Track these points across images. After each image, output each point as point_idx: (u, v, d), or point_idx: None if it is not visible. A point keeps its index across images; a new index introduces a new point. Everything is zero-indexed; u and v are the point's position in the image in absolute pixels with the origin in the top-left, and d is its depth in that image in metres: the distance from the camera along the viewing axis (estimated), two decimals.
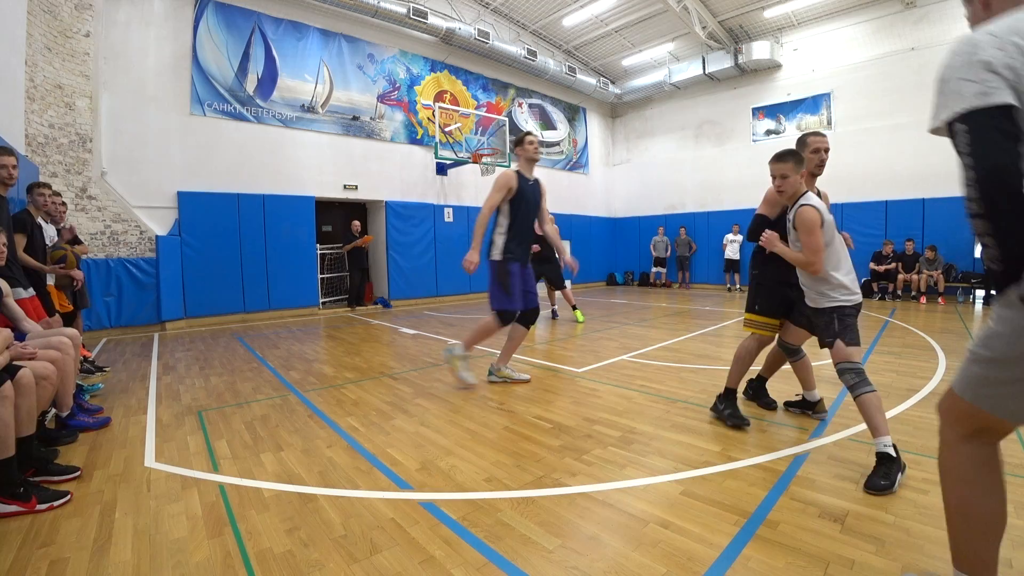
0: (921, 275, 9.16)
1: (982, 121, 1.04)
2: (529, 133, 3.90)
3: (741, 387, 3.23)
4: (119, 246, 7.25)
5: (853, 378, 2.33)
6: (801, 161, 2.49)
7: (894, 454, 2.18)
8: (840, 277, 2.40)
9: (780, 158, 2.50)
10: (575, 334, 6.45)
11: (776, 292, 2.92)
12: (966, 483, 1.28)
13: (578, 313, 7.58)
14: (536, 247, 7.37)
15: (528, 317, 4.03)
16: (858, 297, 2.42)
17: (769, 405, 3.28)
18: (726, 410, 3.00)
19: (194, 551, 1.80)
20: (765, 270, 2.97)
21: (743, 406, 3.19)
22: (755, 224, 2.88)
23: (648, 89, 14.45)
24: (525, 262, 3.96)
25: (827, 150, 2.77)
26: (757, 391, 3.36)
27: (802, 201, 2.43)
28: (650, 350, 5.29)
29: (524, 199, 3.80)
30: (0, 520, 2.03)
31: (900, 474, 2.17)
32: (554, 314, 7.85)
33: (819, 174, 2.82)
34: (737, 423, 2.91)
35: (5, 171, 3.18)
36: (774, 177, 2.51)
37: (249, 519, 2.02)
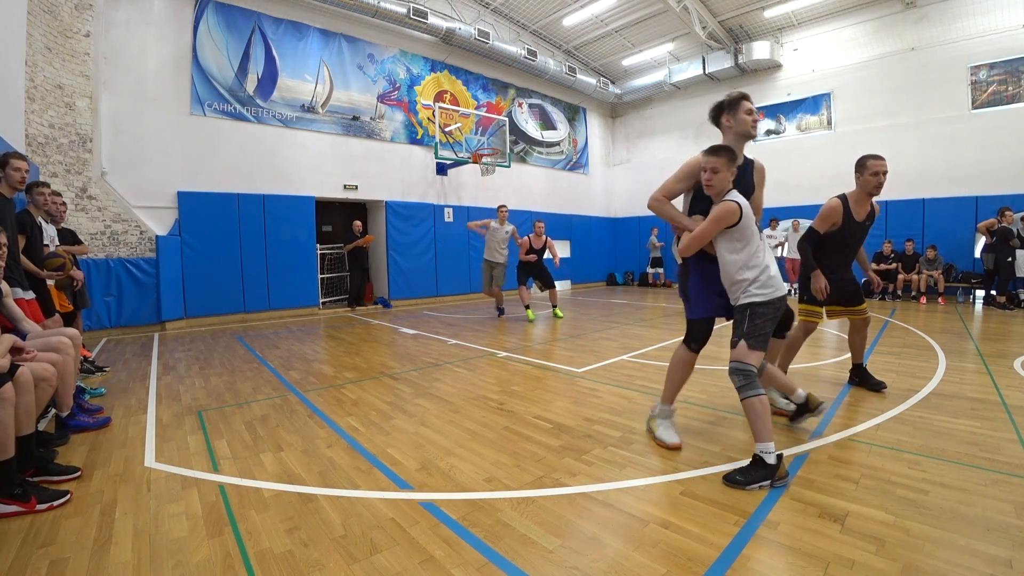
0: (921, 275, 9.15)
1: None
2: (744, 96, 2.64)
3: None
4: (119, 246, 7.25)
5: (740, 380, 2.31)
6: (734, 159, 2.42)
7: (771, 461, 2.17)
8: (749, 274, 2.40)
9: (714, 152, 2.41)
10: (575, 333, 6.44)
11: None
12: None
13: (529, 312, 7.88)
14: (533, 256, 7.73)
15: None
16: (773, 293, 2.38)
17: (878, 386, 3.53)
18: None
19: (194, 551, 1.80)
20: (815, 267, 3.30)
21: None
22: (808, 234, 3.37)
23: (648, 89, 14.46)
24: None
25: (886, 173, 3.05)
26: (862, 377, 3.63)
27: (727, 197, 2.41)
28: (650, 350, 5.29)
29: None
30: (0, 520, 2.03)
31: (766, 483, 2.16)
32: (500, 312, 8.35)
33: (876, 195, 3.14)
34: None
35: (19, 174, 3.29)
36: (704, 169, 2.43)
37: (249, 519, 2.02)
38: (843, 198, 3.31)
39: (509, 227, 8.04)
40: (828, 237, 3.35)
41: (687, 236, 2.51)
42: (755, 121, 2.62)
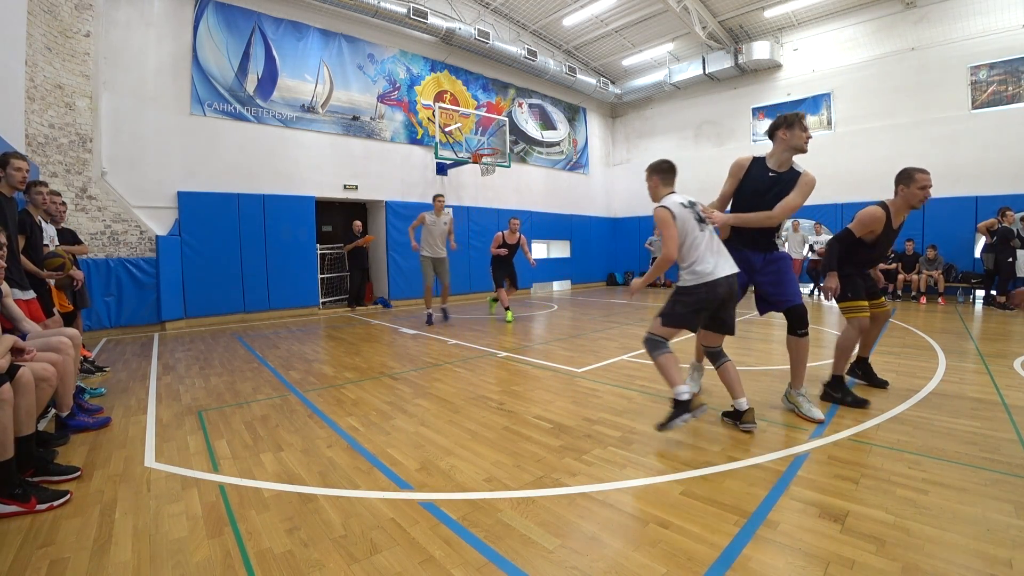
0: (921, 275, 9.16)
1: None
2: (802, 117, 3.00)
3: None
4: (119, 246, 7.25)
5: (648, 347, 2.80)
6: (656, 172, 2.97)
7: (685, 398, 2.64)
8: (684, 264, 2.82)
9: (646, 169, 3.05)
10: (575, 333, 6.44)
11: (857, 280, 3.40)
12: None
13: (508, 314, 7.80)
14: (504, 251, 7.62)
15: (790, 322, 3.07)
16: (696, 280, 2.75)
17: (881, 384, 3.64)
18: (847, 397, 3.25)
19: (194, 551, 1.80)
20: (843, 266, 3.39)
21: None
22: (843, 235, 3.38)
23: (648, 89, 14.46)
24: (757, 249, 3.14)
25: (931, 187, 3.18)
26: (866, 372, 3.72)
27: (658, 203, 2.87)
28: None
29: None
30: (0, 520, 2.03)
31: (687, 416, 2.64)
32: (436, 316, 7.66)
33: (919, 208, 3.28)
34: (858, 403, 3.19)
35: (20, 174, 3.29)
36: None
37: (249, 519, 2.02)
38: (885, 208, 3.27)
39: (447, 217, 7.37)
40: (863, 239, 3.35)
41: (665, 245, 2.83)
42: (808, 138, 2.97)
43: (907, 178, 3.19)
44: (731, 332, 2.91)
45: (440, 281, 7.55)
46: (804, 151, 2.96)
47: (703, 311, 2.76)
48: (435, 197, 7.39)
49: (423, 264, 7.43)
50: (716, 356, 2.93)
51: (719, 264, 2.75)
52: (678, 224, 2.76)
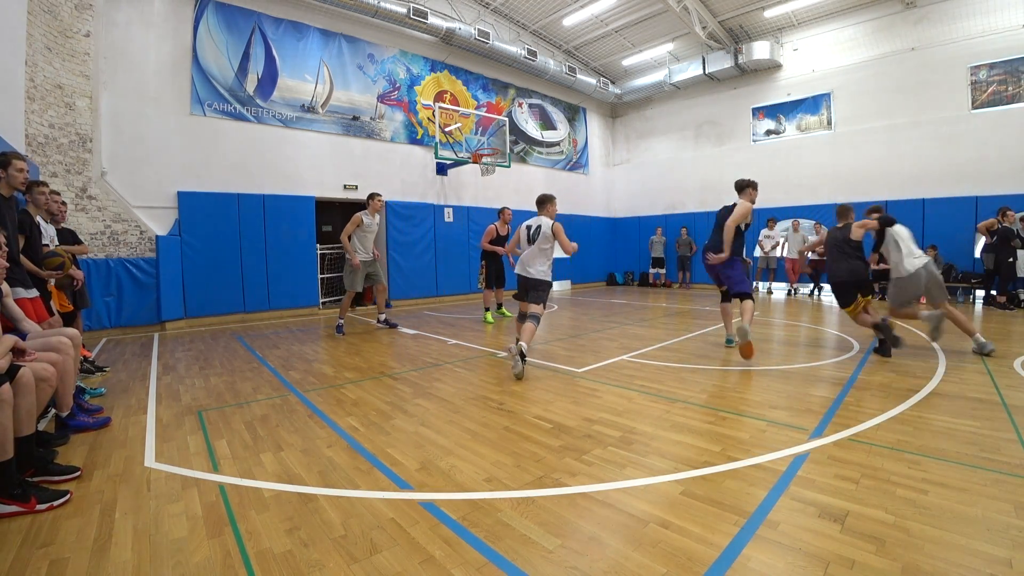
0: None
1: None
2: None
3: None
4: (119, 246, 7.25)
5: (531, 319, 4.32)
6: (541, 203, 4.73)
7: (525, 350, 4.18)
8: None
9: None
10: (575, 333, 6.44)
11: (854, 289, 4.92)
12: None
13: (488, 315, 7.70)
14: (501, 249, 7.45)
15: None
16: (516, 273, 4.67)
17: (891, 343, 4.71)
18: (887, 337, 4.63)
19: (194, 551, 1.80)
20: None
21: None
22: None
23: (648, 89, 14.45)
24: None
25: None
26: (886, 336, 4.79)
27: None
28: (650, 350, 5.29)
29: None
30: (0, 520, 2.03)
31: (519, 361, 4.13)
32: (380, 325, 7.20)
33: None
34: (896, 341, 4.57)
35: (23, 175, 3.29)
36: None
37: (249, 519, 2.02)
38: None
39: (380, 218, 6.80)
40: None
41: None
42: (756, 196, 5.01)
43: (849, 211, 5.04)
44: (526, 300, 4.51)
45: (376, 287, 6.88)
46: (753, 204, 4.92)
47: (520, 290, 4.59)
48: (373, 196, 6.64)
49: (357, 270, 6.51)
50: (522, 317, 4.51)
51: (523, 267, 4.56)
52: (520, 237, 4.69)
